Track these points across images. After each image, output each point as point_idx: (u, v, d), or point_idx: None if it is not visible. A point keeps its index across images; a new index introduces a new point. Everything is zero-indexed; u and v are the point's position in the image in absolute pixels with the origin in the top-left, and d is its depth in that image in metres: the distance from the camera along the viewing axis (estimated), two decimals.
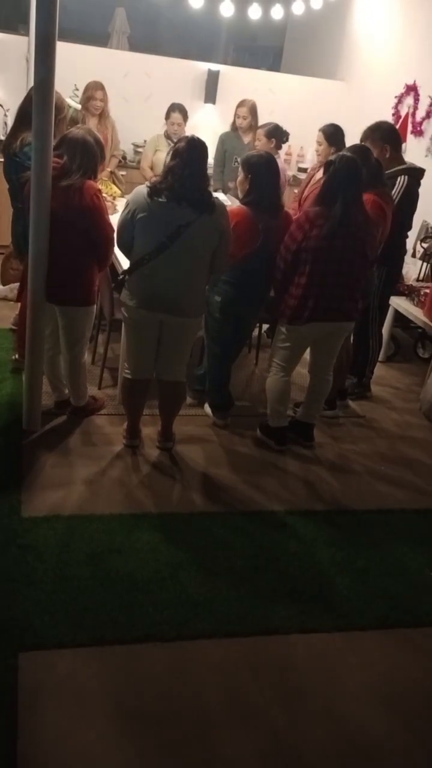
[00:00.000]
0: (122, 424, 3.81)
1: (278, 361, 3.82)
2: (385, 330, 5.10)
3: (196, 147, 3.19)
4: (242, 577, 2.97)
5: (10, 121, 4.45)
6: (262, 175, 3.63)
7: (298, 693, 2.48)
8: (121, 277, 3.41)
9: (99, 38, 9.71)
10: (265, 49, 10.87)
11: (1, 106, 6.28)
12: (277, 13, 6.30)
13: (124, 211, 3.30)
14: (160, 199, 3.17)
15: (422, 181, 4.37)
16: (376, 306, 4.53)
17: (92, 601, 2.71)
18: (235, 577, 2.96)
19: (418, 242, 5.53)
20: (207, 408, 4.20)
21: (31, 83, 3.22)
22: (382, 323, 4.82)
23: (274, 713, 2.39)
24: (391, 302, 4.96)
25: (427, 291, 4.85)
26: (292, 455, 3.94)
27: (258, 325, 4.68)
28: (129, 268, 3.35)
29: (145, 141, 6.16)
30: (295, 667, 2.58)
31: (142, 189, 3.24)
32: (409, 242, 4.84)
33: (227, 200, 4.98)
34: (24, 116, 3.67)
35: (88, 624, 2.60)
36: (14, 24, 9.95)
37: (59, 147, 3.36)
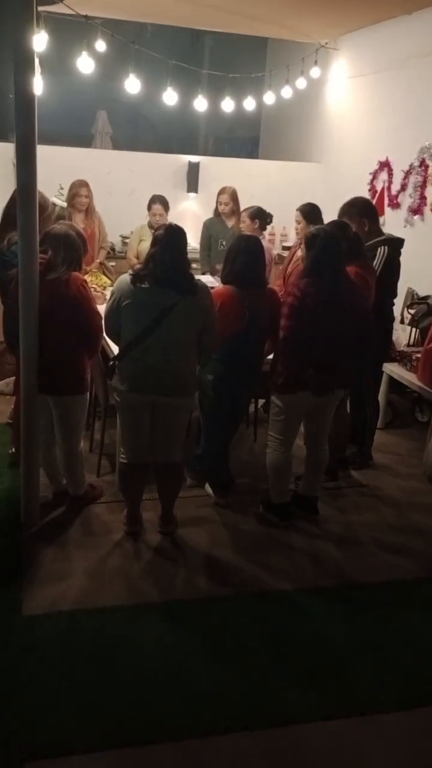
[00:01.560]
0: (122, 511, 3.74)
1: (275, 434, 3.79)
2: (381, 396, 5.10)
3: (175, 233, 3.30)
4: (254, 663, 2.85)
5: None
6: (234, 252, 3.74)
7: None
8: (111, 363, 3.44)
9: (84, 139, 10.22)
10: (243, 139, 11.37)
11: None
12: (249, 104, 6.61)
13: (109, 299, 3.38)
14: (143, 285, 3.24)
15: (403, 250, 4.47)
16: (369, 374, 4.55)
17: (99, 700, 2.59)
18: (247, 664, 2.83)
19: (405, 308, 5.61)
20: (207, 487, 4.14)
21: None
22: (377, 390, 4.83)
23: None
24: (384, 368, 4.99)
25: (419, 356, 4.88)
26: (297, 530, 3.86)
27: (254, 400, 4.68)
28: (118, 354, 3.38)
29: (132, 232, 6.36)
30: (317, 758, 2.44)
31: (125, 277, 3.32)
32: (397, 309, 4.91)
33: (215, 282, 5.09)
34: (9, 217, 3.79)
35: (97, 726, 2.48)
36: (3, 132, 10.51)
37: (43, 243, 3.45)
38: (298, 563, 3.57)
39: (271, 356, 3.86)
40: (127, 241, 6.72)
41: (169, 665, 2.79)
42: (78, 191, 5.69)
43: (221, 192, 6.04)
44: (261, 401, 4.81)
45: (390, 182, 6.39)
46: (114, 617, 3.03)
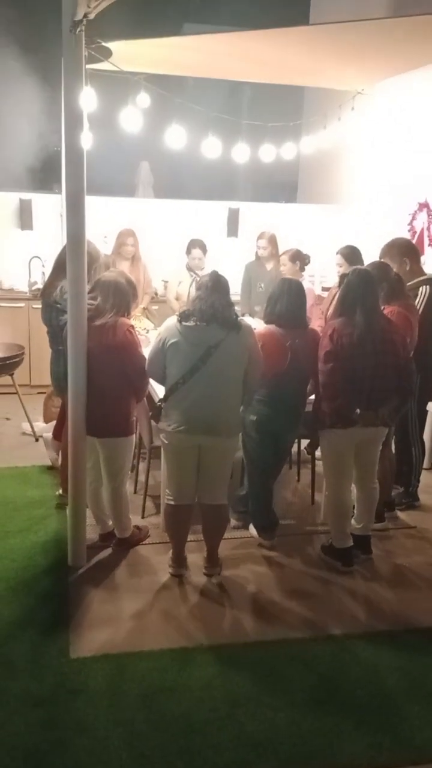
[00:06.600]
0: (167, 553, 3.75)
1: (330, 477, 3.76)
2: (427, 436, 5.03)
3: (219, 279, 3.44)
4: (304, 710, 2.79)
5: (47, 272, 4.77)
6: (277, 294, 3.83)
7: None
8: (159, 404, 3.50)
9: (127, 189, 10.53)
10: (281, 184, 11.54)
11: (39, 258, 6.74)
12: (287, 151, 6.73)
13: (155, 341, 3.46)
14: (189, 324, 3.33)
15: None
16: (414, 413, 4.51)
17: (147, 746, 2.57)
18: (296, 711, 2.78)
19: None
20: (252, 529, 4.13)
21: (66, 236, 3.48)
22: (422, 430, 4.77)
23: None
24: (429, 408, 4.93)
25: None
26: (345, 572, 3.79)
27: (297, 440, 4.67)
28: (165, 395, 3.45)
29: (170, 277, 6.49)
30: None
31: (172, 318, 3.44)
32: None
33: (254, 322, 5.16)
34: (61, 266, 3.93)
35: None
36: (50, 184, 10.94)
37: (93, 290, 3.57)
38: (347, 606, 3.51)
39: (313, 396, 3.87)
40: None
41: (218, 711, 2.75)
42: (125, 240, 5.87)
43: (260, 237, 6.16)
44: (304, 441, 4.78)
45: (430, 222, 6.42)
46: (161, 661, 3.02)
